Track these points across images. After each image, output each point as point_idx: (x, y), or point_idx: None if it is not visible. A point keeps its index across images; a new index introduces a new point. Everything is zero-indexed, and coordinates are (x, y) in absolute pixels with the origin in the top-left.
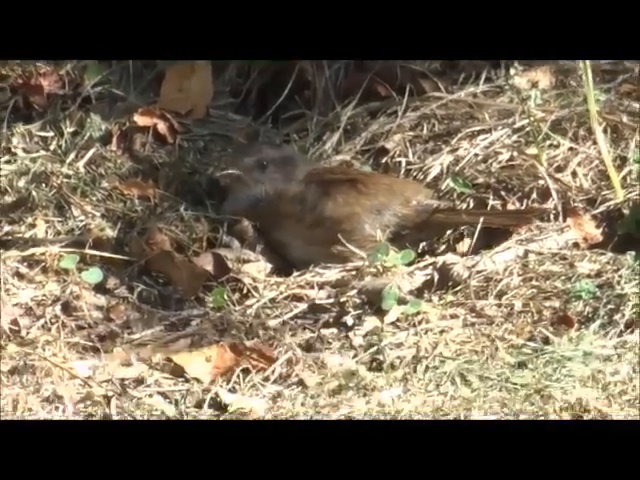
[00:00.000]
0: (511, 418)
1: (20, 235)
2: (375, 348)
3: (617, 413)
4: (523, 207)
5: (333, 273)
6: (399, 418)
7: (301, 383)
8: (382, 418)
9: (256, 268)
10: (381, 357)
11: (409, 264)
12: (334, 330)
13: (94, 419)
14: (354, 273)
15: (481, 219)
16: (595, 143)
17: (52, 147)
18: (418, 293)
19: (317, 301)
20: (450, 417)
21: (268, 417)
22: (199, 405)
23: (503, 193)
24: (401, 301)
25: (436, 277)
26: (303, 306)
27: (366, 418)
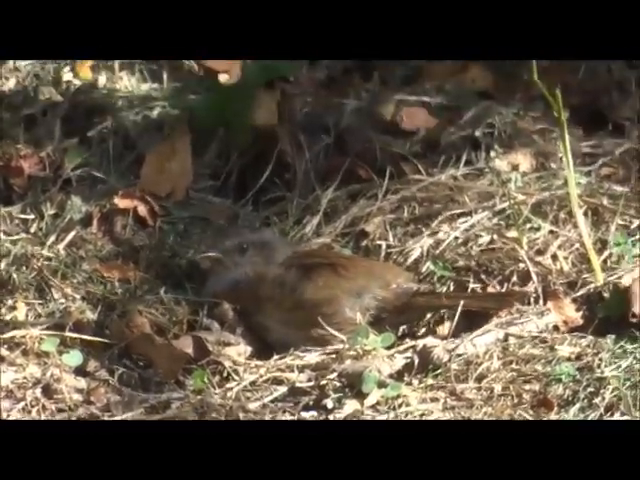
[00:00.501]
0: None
1: (0, 318)
2: None
3: None
4: (504, 290)
5: (313, 356)
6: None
7: None
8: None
9: (236, 351)
10: None
11: (389, 347)
12: (314, 413)
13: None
14: (334, 356)
15: (461, 302)
16: (575, 226)
17: (33, 229)
18: (398, 376)
19: (297, 384)
20: None
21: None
22: None
23: (483, 276)
24: (381, 384)
25: (416, 360)
26: (283, 389)
27: None
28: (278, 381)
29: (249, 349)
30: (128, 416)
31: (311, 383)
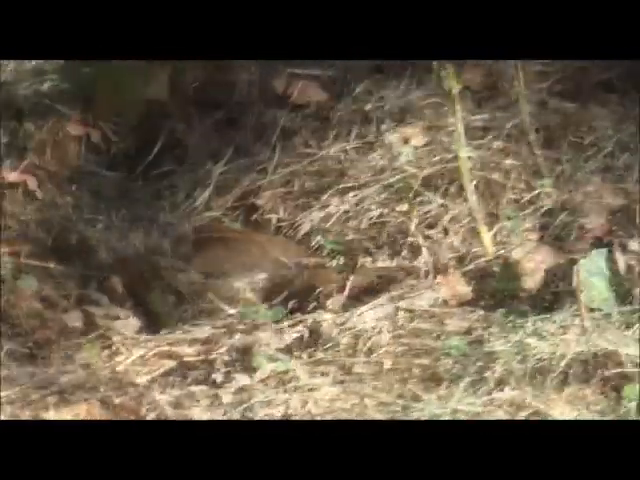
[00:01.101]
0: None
1: None
2: (244, 406)
3: None
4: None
5: (203, 330)
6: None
7: None
8: None
9: (125, 325)
10: (250, 415)
11: (279, 321)
12: (203, 388)
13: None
14: (224, 330)
15: (351, 277)
16: (466, 200)
17: None
18: (288, 351)
19: (186, 358)
20: None
21: None
22: None
23: (374, 250)
24: (271, 359)
25: (306, 335)
26: (172, 363)
27: None
28: (167, 355)
29: (137, 323)
30: (15, 391)
31: (200, 357)
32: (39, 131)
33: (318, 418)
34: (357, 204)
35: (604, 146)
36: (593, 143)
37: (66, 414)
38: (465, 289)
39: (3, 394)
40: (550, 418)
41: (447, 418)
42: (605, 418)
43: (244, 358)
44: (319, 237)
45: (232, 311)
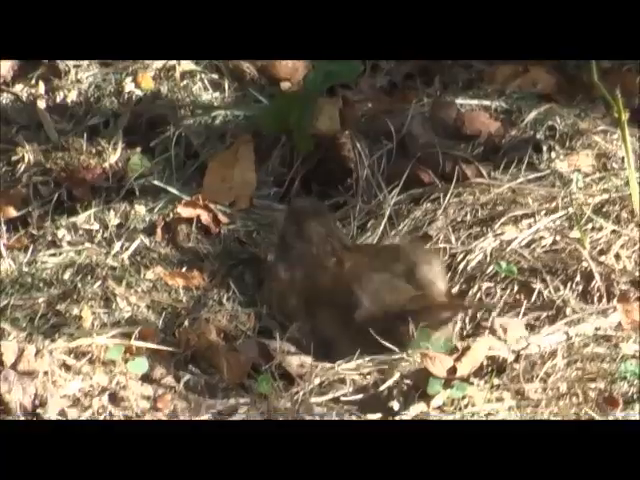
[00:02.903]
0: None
1: (66, 327)
2: None
3: None
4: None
5: (377, 361)
6: None
7: None
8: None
9: (297, 360)
10: None
11: (449, 352)
12: (380, 415)
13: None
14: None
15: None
16: (638, 225)
17: (97, 239)
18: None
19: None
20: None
21: None
22: None
23: (547, 277)
24: (446, 385)
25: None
26: (349, 389)
27: None
28: (343, 383)
29: (309, 359)
30: None
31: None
32: None
33: None
34: (530, 231)
35: None
36: None
37: None
38: None
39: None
40: None
41: None
42: None
43: (419, 385)
44: (493, 265)
45: (400, 352)
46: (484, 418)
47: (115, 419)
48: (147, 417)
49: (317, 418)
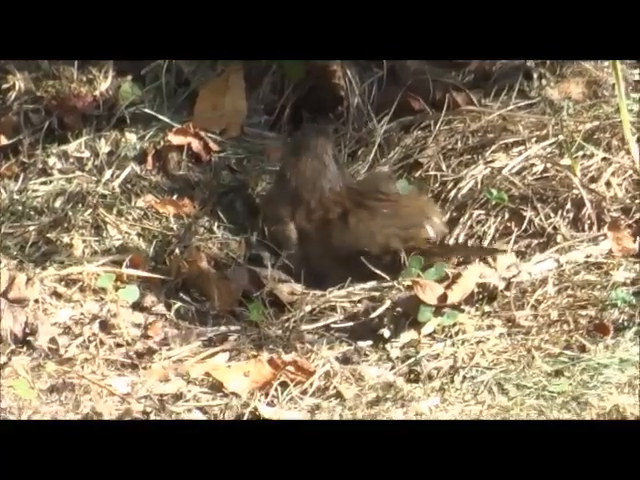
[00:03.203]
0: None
1: (57, 255)
2: (412, 360)
3: None
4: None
5: (368, 288)
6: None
7: (339, 395)
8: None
9: (288, 288)
10: (418, 369)
11: (441, 280)
12: (371, 342)
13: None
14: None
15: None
16: (629, 153)
17: (88, 167)
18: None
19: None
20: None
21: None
22: (238, 419)
23: (538, 204)
24: (437, 313)
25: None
26: (340, 318)
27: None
28: (334, 310)
29: (300, 287)
30: (185, 349)
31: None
32: None
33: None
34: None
35: None
36: None
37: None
38: (632, 244)
39: (174, 352)
40: None
41: (616, 368)
42: None
43: (410, 313)
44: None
45: (387, 277)
46: (474, 345)
47: (104, 419)
48: (138, 345)
49: (308, 346)
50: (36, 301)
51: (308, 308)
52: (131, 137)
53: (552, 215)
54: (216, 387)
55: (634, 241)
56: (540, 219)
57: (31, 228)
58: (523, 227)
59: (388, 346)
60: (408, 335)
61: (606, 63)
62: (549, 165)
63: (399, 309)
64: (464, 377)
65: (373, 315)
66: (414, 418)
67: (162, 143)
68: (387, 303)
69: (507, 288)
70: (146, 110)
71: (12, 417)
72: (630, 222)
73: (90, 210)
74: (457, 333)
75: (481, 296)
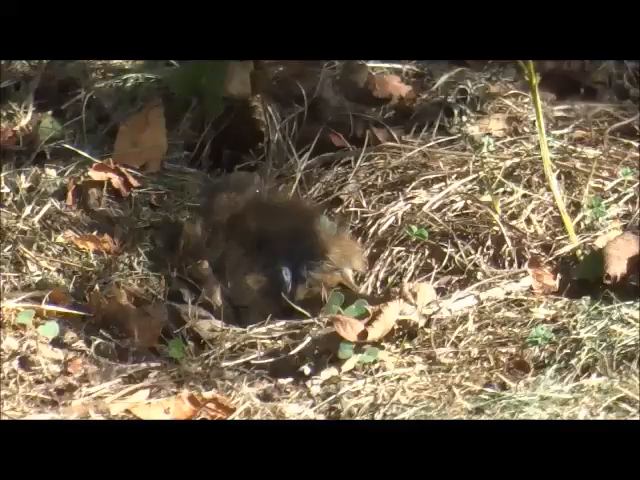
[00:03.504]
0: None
1: None
2: (333, 397)
3: None
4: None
5: (289, 324)
6: None
7: None
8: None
9: (209, 325)
10: (339, 406)
11: (361, 317)
12: (291, 379)
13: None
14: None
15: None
16: (549, 189)
17: (7, 203)
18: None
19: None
20: None
21: None
22: None
23: (458, 240)
24: (358, 349)
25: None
26: (260, 355)
27: None
28: (254, 347)
29: (220, 323)
30: (105, 386)
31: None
32: None
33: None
34: (441, 195)
35: None
36: None
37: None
38: (552, 282)
39: (94, 389)
40: (636, 404)
41: (536, 405)
42: None
43: (330, 350)
44: (404, 229)
45: (308, 314)
46: (395, 383)
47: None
48: (58, 381)
49: (228, 383)
50: None
51: (228, 345)
52: (51, 172)
53: (472, 252)
54: None
55: (554, 278)
56: (460, 256)
57: None
58: (443, 264)
59: (309, 383)
60: (329, 372)
61: (526, 100)
62: (469, 202)
63: (318, 346)
64: (384, 414)
65: (293, 352)
66: None
67: (82, 179)
68: (307, 340)
69: (427, 325)
70: (66, 145)
71: None
72: (550, 259)
73: (10, 246)
74: (377, 370)
75: (401, 333)
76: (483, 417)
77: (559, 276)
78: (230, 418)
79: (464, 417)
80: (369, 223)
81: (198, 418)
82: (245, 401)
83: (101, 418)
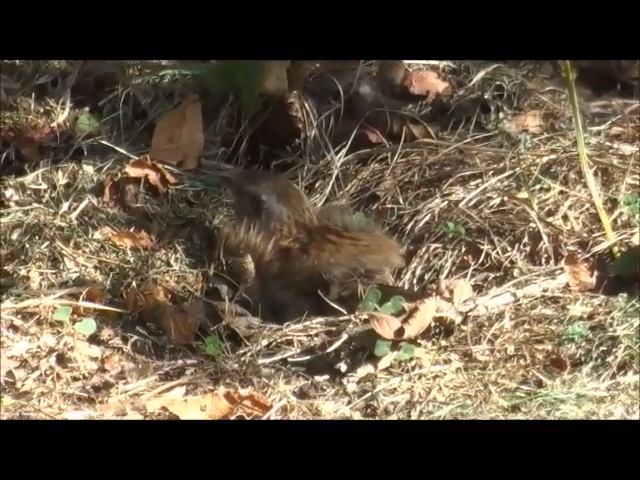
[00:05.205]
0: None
1: (14, 287)
2: (369, 394)
3: None
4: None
5: (325, 321)
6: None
7: None
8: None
9: (245, 322)
10: (375, 403)
11: (398, 314)
12: (327, 377)
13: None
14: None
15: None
16: (585, 186)
17: (45, 199)
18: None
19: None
20: None
21: None
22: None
23: (495, 237)
24: (394, 347)
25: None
26: (296, 352)
27: None
28: (291, 344)
29: (257, 320)
30: (142, 383)
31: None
32: None
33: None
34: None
35: None
36: None
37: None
38: (589, 279)
39: (131, 386)
40: None
41: (572, 403)
42: None
43: (366, 347)
44: (441, 225)
45: (344, 311)
46: (431, 380)
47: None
48: (95, 379)
49: (265, 380)
50: None
51: (265, 342)
52: (88, 169)
53: (509, 249)
54: None
55: (591, 275)
56: (497, 252)
57: None
58: (480, 260)
59: (345, 380)
60: (365, 369)
61: (563, 96)
62: (506, 198)
63: (355, 343)
64: (421, 412)
65: (330, 349)
66: None
67: (119, 175)
68: (344, 337)
69: (464, 322)
70: (103, 142)
71: None
72: (587, 256)
73: (47, 242)
74: (414, 367)
75: (438, 330)
76: (519, 415)
77: (596, 273)
78: (266, 415)
79: (500, 415)
80: (406, 220)
81: (234, 415)
82: (281, 398)
83: (137, 415)
